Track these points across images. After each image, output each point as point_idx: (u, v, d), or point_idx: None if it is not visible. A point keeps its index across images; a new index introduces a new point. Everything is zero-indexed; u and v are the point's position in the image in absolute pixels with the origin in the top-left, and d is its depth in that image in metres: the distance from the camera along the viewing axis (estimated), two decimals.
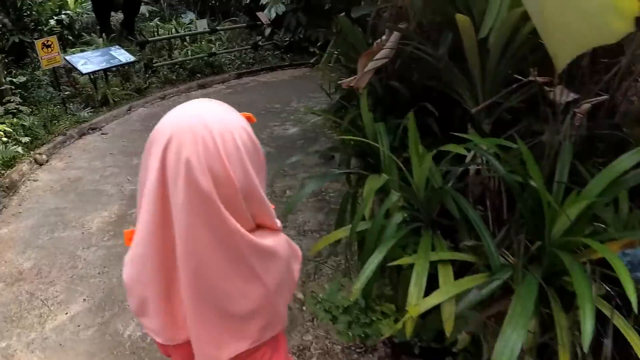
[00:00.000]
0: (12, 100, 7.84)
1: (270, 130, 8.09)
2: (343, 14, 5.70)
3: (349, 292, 2.73)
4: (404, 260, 2.58)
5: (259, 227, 1.25)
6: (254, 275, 1.19)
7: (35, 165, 7.38)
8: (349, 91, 4.66)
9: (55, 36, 9.17)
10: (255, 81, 12.23)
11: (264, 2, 13.60)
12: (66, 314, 4.21)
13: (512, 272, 2.23)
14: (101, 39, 13.30)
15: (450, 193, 2.67)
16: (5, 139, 6.86)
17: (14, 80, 8.00)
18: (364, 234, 2.83)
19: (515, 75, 2.67)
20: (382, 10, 4.25)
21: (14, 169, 6.94)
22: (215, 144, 1.09)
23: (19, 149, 6.80)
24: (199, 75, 12.35)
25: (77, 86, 10.85)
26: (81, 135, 8.67)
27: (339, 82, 3.65)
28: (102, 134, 8.75)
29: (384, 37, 3.70)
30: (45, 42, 8.88)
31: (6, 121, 7.41)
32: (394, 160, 3.04)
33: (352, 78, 3.60)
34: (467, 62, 2.88)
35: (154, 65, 11.71)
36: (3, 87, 7.92)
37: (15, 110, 7.78)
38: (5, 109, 7.62)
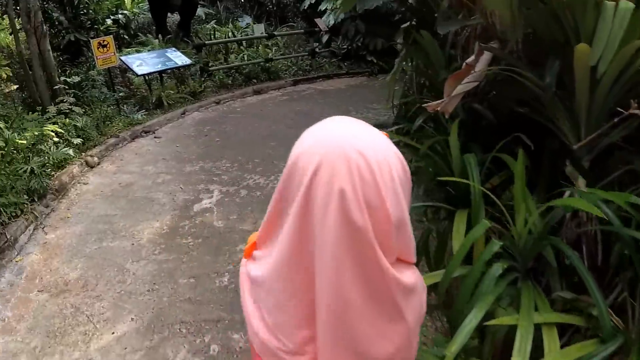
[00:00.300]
0: (65, 100, 7.67)
1: None
2: (408, 23, 5.32)
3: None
4: (504, 321, 2.27)
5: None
6: (399, 315, 1.05)
7: (86, 168, 7.17)
8: (418, 108, 4.27)
9: (111, 36, 9.04)
10: (312, 89, 11.88)
11: (322, 9, 13.27)
12: (112, 333, 3.90)
13: (624, 340, 2.01)
14: (157, 40, 13.20)
15: (553, 241, 2.41)
16: (56, 139, 6.63)
17: (68, 80, 7.82)
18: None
19: (618, 109, 2.40)
20: (467, 26, 3.81)
21: (64, 170, 6.74)
22: (372, 173, 0.93)
23: (70, 151, 6.60)
24: (255, 80, 12.09)
25: (131, 87, 10.73)
26: (134, 137, 8.46)
27: (424, 105, 3.22)
28: (155, 137, 8.52)
29: (472, 57, 3.23)
30: (101, 41, 8.73)
31: (58, 121, 7.24)
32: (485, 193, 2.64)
33: (439, 102, 3.15)
34: (570, 90, 2.53)
35: (210, 68, 11.49)
36: (57, 87, 7.75)
37: (68, 111, 7.59)
38: (57, 109, 7.44)
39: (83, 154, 7.37)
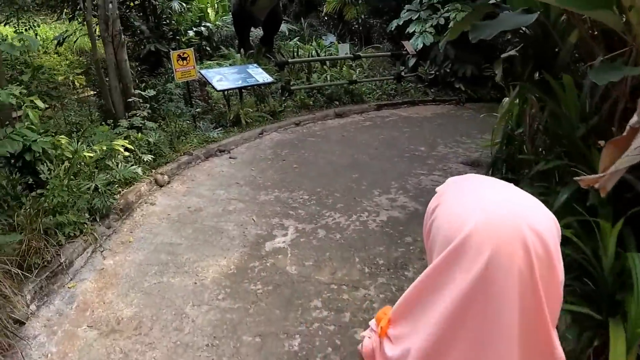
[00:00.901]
0: (138, 113, 7.36)
1: (417, 179, 6.99)
2: (510, 53, 4.63)
3: None
4: None
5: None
6: None
7: (155, 187, 6.80)
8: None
9: (192, 49, 8.73)
10: (396, 115, 11.22)
11: (410, 31, 12.62)
12: None
13: None
14: (239, 54, 12.93)
15: None
16: (126, 154, 6.24)
17: (143, 93, 7.46)
18: None
19: None
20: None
21: (131, 188, 6.39)
22: (547, 252, 0.87)
23: (139, 170, 6.24)
24: (337, 102, 11.58)
25: (209, 101, 10.41)
26: (208, 156, 8.06)
27: (576, 178, 2.44)
28: (230, 157, 8.10)
29: (636, 118, 2.44)
30: (182, 54, 8.44)
31: (131, 135, 6.87)
32: None
33: (596, 177, 2.38)
34: None
35: (292, 87, 11.03)
36: (131, 99, 7.41)
37: (141, 125, 7.22)
38: (130, 123, 7.07)
39: (153, 171, 7.02)
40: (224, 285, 4.53)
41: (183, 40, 12.13)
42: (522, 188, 0.96)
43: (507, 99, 5.02)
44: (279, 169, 7.47)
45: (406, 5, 13.40)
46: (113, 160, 6.18)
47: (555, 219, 0.92)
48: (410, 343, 0.98)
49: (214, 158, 8.11)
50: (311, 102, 11.12)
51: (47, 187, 5.33)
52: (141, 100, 7.41)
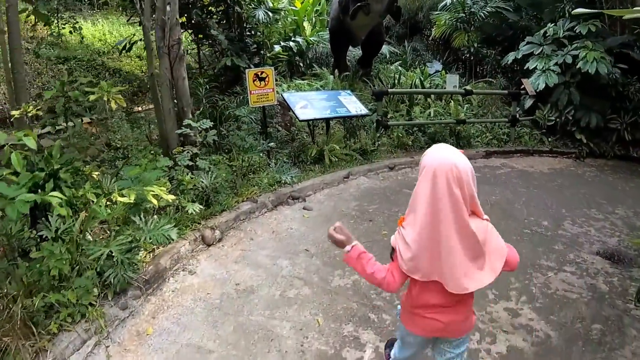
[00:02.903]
0: (186, 150, 5.81)
1: (544, 278, 5.00)
2: None
3: None
4: None
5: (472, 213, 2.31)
6: (481, 251, 2.30)
7: (201, 245, 5.28)
8: None
9: (272, 68, 7.15)
10: (507, 166, 9.20)
11: (531, 67, 10.57)
12: None
13: None
14: (332, 75, 11.39)
15: None
16: (170, 198, 4.69)
17: (193, 124, 5.83)
18: None
19: None
20: None
21: (166, 248, 4.87)
22: (459, 172, 2.18)
23: (173, 233, 4.64)
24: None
25: (292, 128, 8.86)
26: (277, 204, 6.51)
27: None
28: (304, 208, 6.51)
29: None
30: (259, 73, 6.94)
31: (177, 176, 5.37)
32: None
33: None
34: None
35: (389, 122, 9.23)
36: (180, 131, 5.91)
37: (192, 164, 5.73)
38: (175, 162, 5.57)
39: (202, 223, 5.49)
40: None
41: (269, 55, 10.71)
42: None
43: None
44: (363, 234, 5.73)
45: (527, 37, 11.35)
46: (141, 215, 4.67)
47: (471, 166, 2.22)
48: (413, 230, 2.32)
49: (284, 207, 6.51)
50: (410, 142, 9.29)
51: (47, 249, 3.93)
52: (192, 133, 5.86)
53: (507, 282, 4.79)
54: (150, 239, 4.49)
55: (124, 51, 10.08)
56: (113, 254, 4.18)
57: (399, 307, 2.77)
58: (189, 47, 11.99)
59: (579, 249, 5.64)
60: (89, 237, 4.66)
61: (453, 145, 8.83)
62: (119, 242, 4.29)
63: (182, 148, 5.74)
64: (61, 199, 3.86)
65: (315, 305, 4.31)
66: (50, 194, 3.85)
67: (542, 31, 10.97)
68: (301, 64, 12.95)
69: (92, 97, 5.45)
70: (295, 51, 12.02)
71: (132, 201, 4.48)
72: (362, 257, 2.46)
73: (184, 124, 5.82)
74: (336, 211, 6.44)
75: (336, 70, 12.14)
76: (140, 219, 4.64)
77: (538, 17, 12.36)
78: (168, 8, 5.74)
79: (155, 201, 4.56)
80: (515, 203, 7.10)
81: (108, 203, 4.61)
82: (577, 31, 10.15)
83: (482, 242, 2.27)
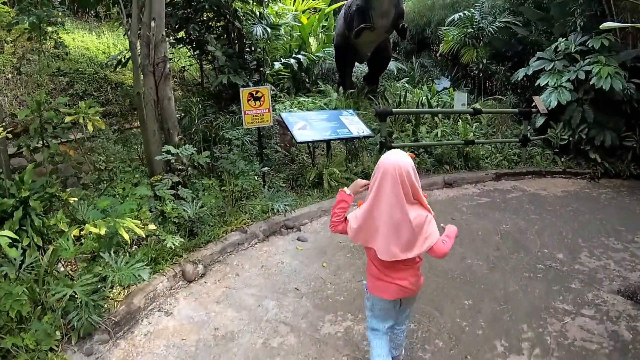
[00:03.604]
0: (164, 179, 5.38)
1: (560, 324, 4.46)
2: None
3: None
4: None
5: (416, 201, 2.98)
6: (409, 223, 2.90)
7: (181, 282, 4.87)
8: None
9: (267, 86, 6.80)
10: (519, 190, 8.70)
11: (542, 84, 10.10)
12: None
13: None
14: (336, 93, 10.99)
15: None
16: (146, 233, 4.29)
17: (172, 150, 5.38)
18: None
19: None
20: None
21: (141, 286, 4.46)
22: (401, 169, 2.84)
23: (144, 274, 4.18)
24: (447, 166, 9.20)
25: (291, 148, 8.45)
26: (269, 234, 6.09)
27: None
28: (298, 239, 6.09)
29: None
30: (254, 92, 6.53)
31: (157, 206, 4.97)
32: None
33: None
34: None
35: (393, 144, 8.77)
36: (164, 158, 5.51)
37: (177, 192, 5.32)
38: (154, 191, 5.16)
39: (185, 254, 5.08)
40: None
41: (269, 72, 10.33)
42: None
43: None
44: (358, 270, 5.27)
45: (537, 53, 10.86)
46: (112, 251, 4.27)
47: (413, 165, 2.92)
48: (364, 206, 3.03)
49: (277, 238, 6.08)
50: (415, 165, 8.80)
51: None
52: (172, 159, 5.43)
53: (518, 330, 4.31)
54: (118, 279, 4.07)
55: (119, 66, 9.74)
56: (76, 296, 3.79)
57: (364, 282, 3.41)
58: (188, 62, 11.69)
59: (598, 287, 5.14)
60: (59, 271, 4.31)
61: (461, 166, 8.31)
62: (84, 282, 3.90)
63: (160, 176, 5.32)
64: (12, 238, 3.48)
65: (301, 358, 3.87)
66: (0, 233, 3.46)
67: (553, 46, 10.50)
68: (307, 80, 12.58)
69: (68, 119, 5.08)
70: (297, 68, 11.60)
71: (102, 234, 4.10)
72: (344, 207, 3.26)
73: (163, 149, 5.40)
74: (332, 243, 5.99)
75: (341, 88, 11.77)
76: (110, 255, 4.24)
77: (548, 32, 11.87)
78: (153, 24, 5.37)
79: (126, 236, 4.15)
80: (527, 232, 6.62)
81: (82, 233, 4.25)
82: (589, 45, 9.68)
83: (416, 226, 2.93)
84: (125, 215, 4.32)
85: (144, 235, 4.35)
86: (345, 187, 3.31)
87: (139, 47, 5.63)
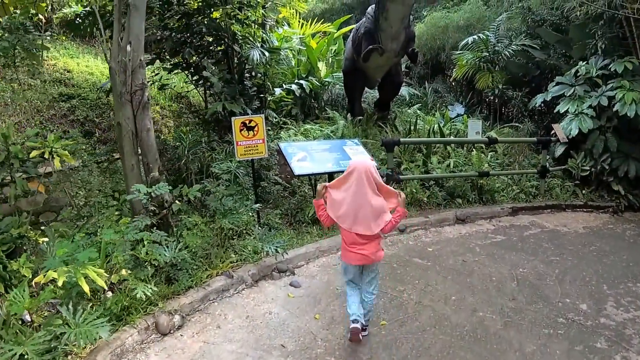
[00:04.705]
0: (138, 220, 4.86)
1: None
2: None
3: None
4: None
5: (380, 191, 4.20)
6: (372, 206, 4.08)
7: (154, 335, 4.38)
8: None
9: (261, 116, 6.37)
10: (537, 226, 8.14)
11: (561, 111, 9.57)
12: None
13: None
14: (343, 120, 10.57)
15: None
16: (107, 285, 3.82)
17: (144, 189, 4.84)
18: None
19: None
20: None
21: (109, 339, 3.97)
22: (367, 169, 4.06)
23: (104, 333, 3.67)
24: (460, 200, 8.67)
25: (292, 180, 7.98)
26: (258, 279, 5.61)
27: None
28: (290, 284, 5.60)
29: None
30: (247, 121, 6.12)
31: (134, 250, 4.52)
32: None
33: None
34: None
35: (401, 176, 8.25)
36: (134, 197, 5.02)
37: (152, 234, 4.84)
38: (122, 233, 4.67)
39: (161, 303, 4.61)
40: None
41: (272, 99, 9.91)
42: None
43: None
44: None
45: (556, 77, 10.35)
46: (70, 304, 3.79)
47: (375, 166, 4.21)
48: (341, 194, 4.16)
49: (267, 283, 5.59)
50: (425, 198, 8.32)
51: None
52: (144, 200, 4.92)
53: None
54: (75, 336, 3.58)
55: (110, 94, 9.41)
56: (27, 356, 3.33)
57: (339, 252, 4.94)
58: (191, 87, 11.35)
59: (627, 348, 4.52)
60: (23, 320, 3.88)
61: (475, 200, 8.06)
62: (35, 341, 3.44)
63: (129, 219, 4.84)
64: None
65: None
66: None
67: (572, 70, 10.00)
68: (316, 106, 12.18)
69: (33, 153, 4.68)
70: (299, 94, 11.18)
71: (59, 285, 3.66)
72: (322, 208, 4.30)
73: (132, 188, 4.91)
74: (328, 289, 5.49)
75: (349, 114, 11.37)
76: (68, 308, 3.77)
77: (567, 55, 11.37)
78: (129, 48, 4.96)
79: (86, 287, 3.69)
80: (546, 277, 6.04)
81: (43, 282, 3.80)
82: (611, 69, 9.19)
83: (376, 210, 4.05)
84: (87, 264, 3.86)
85: (105, 287, 3.89)
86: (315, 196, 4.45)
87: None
